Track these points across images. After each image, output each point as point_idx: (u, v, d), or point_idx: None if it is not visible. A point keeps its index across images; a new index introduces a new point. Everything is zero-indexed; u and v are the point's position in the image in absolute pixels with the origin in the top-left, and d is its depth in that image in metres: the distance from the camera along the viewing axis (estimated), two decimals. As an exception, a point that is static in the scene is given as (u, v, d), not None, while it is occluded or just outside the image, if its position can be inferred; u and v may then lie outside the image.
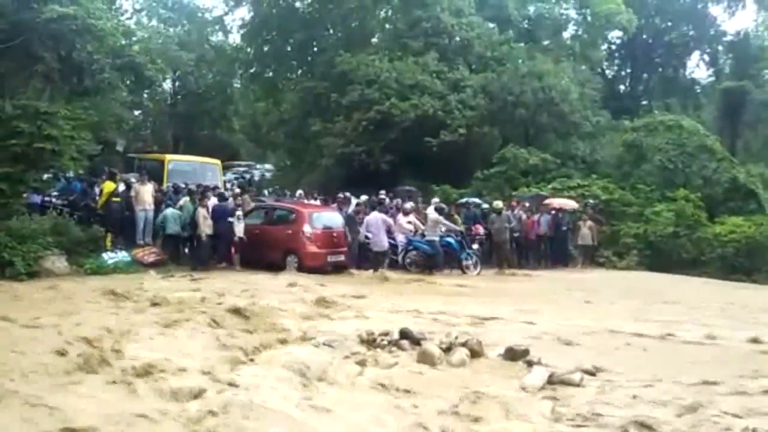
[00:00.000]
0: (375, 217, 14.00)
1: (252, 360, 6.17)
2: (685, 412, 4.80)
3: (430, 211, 14.61)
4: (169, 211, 13.17)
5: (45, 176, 12.88)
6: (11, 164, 11.04)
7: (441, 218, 14.24)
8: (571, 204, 17.34)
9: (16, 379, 5.19)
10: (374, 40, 27.69)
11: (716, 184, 19.50)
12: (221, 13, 32.92)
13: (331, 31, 28.85)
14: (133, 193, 13.27)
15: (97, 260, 11.78)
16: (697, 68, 35.34)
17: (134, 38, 15.83)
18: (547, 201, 17.47)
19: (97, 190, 13.80)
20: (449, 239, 14.32)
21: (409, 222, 14.66)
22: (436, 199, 16.95)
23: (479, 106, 22.29)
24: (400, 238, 14.43)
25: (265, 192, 18.42)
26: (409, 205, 15.52)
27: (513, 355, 6.26)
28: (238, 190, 16.77)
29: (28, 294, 9.13)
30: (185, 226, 13.20)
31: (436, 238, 14.04)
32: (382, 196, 16.85)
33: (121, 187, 13.71)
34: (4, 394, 4.74)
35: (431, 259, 13.99)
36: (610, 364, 6.20)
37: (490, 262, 15.16)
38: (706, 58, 34.21)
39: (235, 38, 33.13)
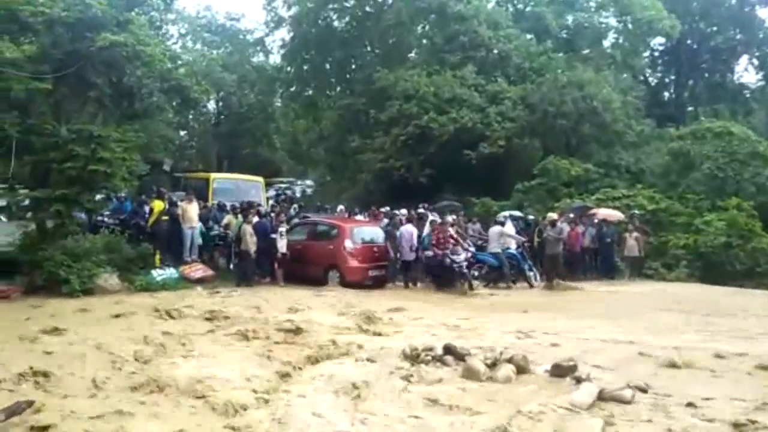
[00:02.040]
0: (407, 229, 14.04)
1: (299, 375, 6.24)
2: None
3: (494, 229, 14.64)
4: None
5: (98, 197, 13.39)
6: (67, 186, 11.52)
7: (505, 230, 14.31)
8: (616, 215, 16.94)
9: (70, 397, 5.41)
10: (412, 55, 27.89)
11: (770, 192, 18.75)
12: (262, 34, 33.82)
13: (369, 49, 29.23)
14: (180, 211, 13.66)
15: (147, 277, 12.14)
16: (746, 72, 34.29)
17: (180, 62, 16.32)
18: (591, 212, 17.12)
19: (147, 209, 14.27)
20: (513, 251, 14.33)
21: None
22: (506, 213, 16.87)
23: (519, 117, 22.10)
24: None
25: (293, 210, 18.23)
26: (450, 218, 15.45)
27: (560, 371, 6.13)
28: (278, 208, 17.05)
29: (84, 310, 9.48)
30: (230, 243, 13.62)
31: (500, 251, 14.15)
32: (422, 210, 16.86)
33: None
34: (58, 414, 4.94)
35: (497, 272, 14.08)
36: (663, 380, 6.01)
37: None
38: (755, 62, 33.03)
39: (275, 58, 33.97)
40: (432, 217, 14.98)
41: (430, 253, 13.32)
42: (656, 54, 33.04)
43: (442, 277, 13.24)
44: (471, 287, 12.94)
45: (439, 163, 21.59)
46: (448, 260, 12.97)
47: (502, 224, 14.74)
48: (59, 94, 12.03)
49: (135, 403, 5.31)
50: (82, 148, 11.33)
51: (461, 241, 13.73)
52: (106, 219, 14.95)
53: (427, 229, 14.22)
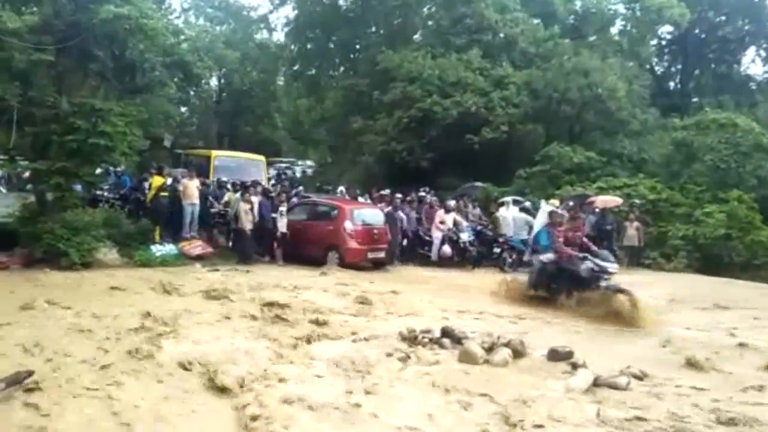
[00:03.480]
0: (398, 214, 14.45)
1: (296, 354, 6.27)
2: (730, 424, 4.69)
3: (521, 216, 14.87)
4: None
5: (98, 171, 13.34)
6: (67, 159, 11.49)
7: (529, 217, 14.43)
8: (615, 200, 16.88)
9: (68, 368, 5.44)
10: (417, 37, 27.57)
11: (772, 185, 18.70)
12: (266, 11, 33.41)
13: (374, 29, 28.91)
14: (180, 188, 13.63)
15: (146, 252, 12.15)
16: (753, 64, 33.96)
17: (182, 37, 16.15)
18: (590, 200, 17.05)
19: (146, 184, 14.24)
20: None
21: (442, 222, 14.52)
22: (513, 199, 16.94)
23: (523, 103, 21.95)
24: (436, 234, 14.46)
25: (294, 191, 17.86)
26: (452, 203, 15.43)
27: (557, 356, 6.17)
28: (278, 187, 17.02)
29: (84, 284, 9.51)
30: (230, 221, 13.61)
31: (527, 237, 14.14)
32: (423, 194, 16.90)
33: (168, 182, 14.11)
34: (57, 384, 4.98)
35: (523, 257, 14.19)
36: (659, 368, 6.06)
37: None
38: (763, 53, 32.71)
39: (279, 36, 33.59)
40: (549, 206, 10.81)
41: (551, 255, 9.47)
42: (663, 43, 32.68)
43: (572, 290, 9.25)
44: (636, 305, 8.50)
45: (441, 147, 21.47)
46: (588, 266, 8.99)
47: (528, 210, 14.84)
48: (61, 66, 11.95)
49: (130, 376, 5.34)
50: (83, 121, 11.29)
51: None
52: (105, 193, 14.95)
53: (541, 219, 10.26)
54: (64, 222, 11.35)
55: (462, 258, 14.44)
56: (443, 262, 14.25)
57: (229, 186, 15.11)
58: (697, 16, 29.64)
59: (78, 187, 12.95)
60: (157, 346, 6.12)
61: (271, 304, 8.30)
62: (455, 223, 14.67)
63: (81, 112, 11.37)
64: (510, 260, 14.28)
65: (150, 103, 15.80)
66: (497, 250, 14.59)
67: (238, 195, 13.67)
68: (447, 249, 14.33)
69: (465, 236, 14.38)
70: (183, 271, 11.18)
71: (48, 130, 11.41)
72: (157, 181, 13.65)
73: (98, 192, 14.63)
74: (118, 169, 15.21)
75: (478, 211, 16.53)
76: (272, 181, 19.45)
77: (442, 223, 14.59)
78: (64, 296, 8.30)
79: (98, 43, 11.87)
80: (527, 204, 15.92)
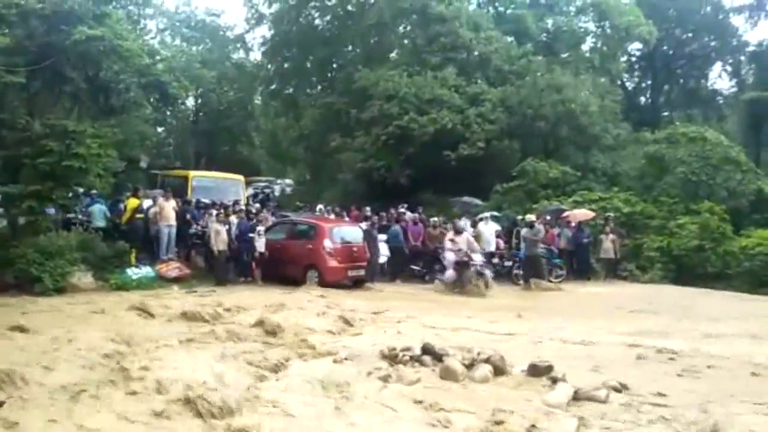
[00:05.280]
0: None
1: (276, 376, 6.20)
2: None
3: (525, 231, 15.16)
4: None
5: (70, 194, 13.16)
6: (40, 182, 11.30)
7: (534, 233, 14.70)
8: (586, 214, 17.16)
9: (43, 395, 5.29)
10: (393, 55, 27.86)
11: (741, 196, 19.19)
12: (242, 31, 33.52)
13: (350, 48, 29.17)
14: (157, 209, 13.48)
15: (122, 276, 11.97)
16: (720, 79, 34.91)
17: (158, 57, 16.04)
18: (564, 215, 17.32)
19: (121, 206, 14.07)
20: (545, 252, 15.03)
21: (450, 239, 13.71)
22: (487, 214, 17.07)
23: (498, 119, 22.24)
24: (450, 257, 13.58)
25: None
26: (461, 223, 14.98)
27: (537, 371, 6.19)
28: (258, 206, 16.91)
29: (57, 309, 9.30)
30: (207, 242, 13.48)
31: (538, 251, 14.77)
32: (402, 210, 16.94)
33: (146, 204, 13.97)
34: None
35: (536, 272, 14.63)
36: (638, 381, 6.11)
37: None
38: (729, 68, 33.78)
39: (255, 56, 33.72)
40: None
41: None
42: (633, 59, 33.55)
43: None
44: None
45: (419, 164, 21.63)
46: None
47: (531, 226, 15.01)
48: (33, 88, 11.84)
49: (105, 402, 5.21)
50: (57, 143, 11.15)
51: None
52: (79, 216, 14.71)
53: None
54: (36, 246, 11.15)
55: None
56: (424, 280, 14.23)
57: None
58: (665, 34, 30.53)
59: (51, 210, 12.74)
60: (133, 371, 5.99)
61: (251, 325, 8.22)
62: (468, 244, 13.65)
63: (54, 134, 11.24)
64: (521, 273, 14.91)
65: (125, 124, 15.66)
66: (508, 263, 15.36)
67: (213, 216, 13.55)
68: (451, 273, 13.52)
69: (477, 258, 13.62)
70: (160, 294, 11.01)
71: (20, 153, 11.24)
72: (132, 203, 13.50)
73: (71, 215, 14.39)
74: (93, 191, 15.01)
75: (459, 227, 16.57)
76: (251, 200, 19.34)
77: (451, 241, 13.65)
78: (36, 322, 8.09)
79: (71, 64, 11.78)
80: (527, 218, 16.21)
